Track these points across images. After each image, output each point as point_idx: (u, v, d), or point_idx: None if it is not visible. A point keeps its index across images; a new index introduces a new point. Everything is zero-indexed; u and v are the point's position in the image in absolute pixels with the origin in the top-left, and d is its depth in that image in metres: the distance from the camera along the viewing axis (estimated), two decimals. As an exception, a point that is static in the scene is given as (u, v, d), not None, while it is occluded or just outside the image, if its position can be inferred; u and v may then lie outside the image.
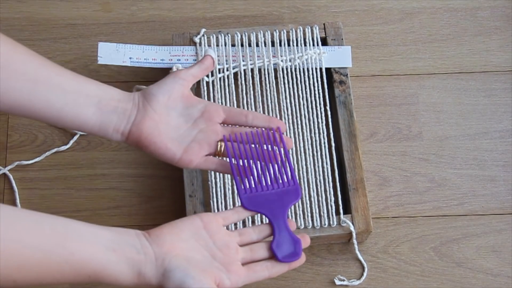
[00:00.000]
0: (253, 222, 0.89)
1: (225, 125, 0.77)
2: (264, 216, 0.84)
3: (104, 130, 0.72)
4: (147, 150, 0.73)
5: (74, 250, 0.62)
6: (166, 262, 0.65)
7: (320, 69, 0.96)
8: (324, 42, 0.98)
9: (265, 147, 0.75)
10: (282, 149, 0.75)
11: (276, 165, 0.75)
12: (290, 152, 0.92)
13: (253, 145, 0.75)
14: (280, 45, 0.97)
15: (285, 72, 0.96)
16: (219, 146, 0.75)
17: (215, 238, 0.69)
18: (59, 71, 0.71)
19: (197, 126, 0.75)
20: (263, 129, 0.76)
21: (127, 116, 0.72)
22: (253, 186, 0.74)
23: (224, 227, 0.71)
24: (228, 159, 0.75)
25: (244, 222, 0.89)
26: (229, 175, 0.91)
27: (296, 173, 0.91)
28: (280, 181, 0.74)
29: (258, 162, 0.75)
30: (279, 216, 0.72)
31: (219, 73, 0.96)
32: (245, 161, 0.74)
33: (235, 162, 0.74)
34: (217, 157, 0.76)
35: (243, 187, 0.73)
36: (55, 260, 0.61)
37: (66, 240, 0.62)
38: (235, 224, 0.88)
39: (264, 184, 0.74)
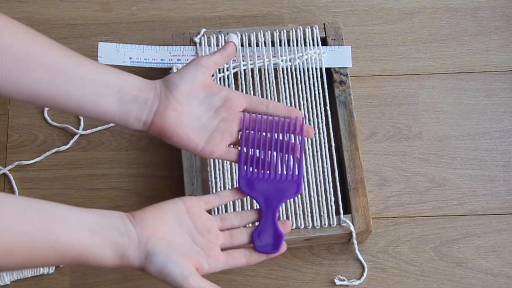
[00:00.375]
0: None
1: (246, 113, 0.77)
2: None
3: (124, 120, 0.72)
4: (170, 141, 0.73)
5: (59, 234, 0.62)
6: (149, 246, 0.66)
7: (320, 69, 0.96)
8: (324, 42, 0.98)
9: (281, 137, 0.75)
10: (298, 141, 0.74)
11: (286, 156, 0.74)
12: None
13: (269, 134, 0.75)
14: (280, 45, 0.97)
15: (285, 72, 0.96)
16: (239, 135, 0.75)
17: (196, 222, 0.70)
18: (79, 61, 0.70)
19: (218, 115, 0.74)
20: (286, 118, 0.75)
21: (149, 106, 0.72)
22: (255, 170, 0.73)
23: (206, 211, 0.72)
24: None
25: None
26: (229, 175, 0.91)
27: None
28: (284, 173, 0.74)
29: (269, 149, 0.74)
30: (271, 206, 0.72)
31: (219, 73, 0.96)
32: (256, 146, 0.74)
33: (246, 147, 0.74)
34: (238, 146, 0.75)
35: (244, 169, 0.73)
36: (40, 245, 0.61)
37: (51, 225, 0.62)
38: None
39: (266, 171, 0.73)
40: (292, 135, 0.75)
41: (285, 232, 0.72)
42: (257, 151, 0.74)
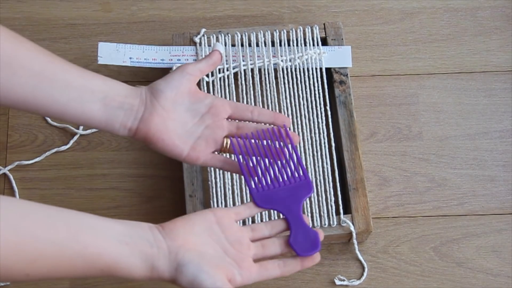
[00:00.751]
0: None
1: (231, 120, 0.77)
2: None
3: (110, 126, 0.72)
4: (155, 147, 0.73)
5: (87, 243, 0.62)
6: (179, 256, 0.65)
7: (320, 69, 0.96)
8: (324, 42, 0.98)
9: (271, 144, 0.75)
10: (289, 145, 0.75)
11: (284, 161, 0.74)
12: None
13: (259, 142, 0.75)
14: (280, 45, 0.97)
15: (285, 72, 0.96)
16: (225, 142, 0.75)
17: (227, 233, 0.69)
18: (65, 66, 0.71)
19: (203, 122, 0.74)
20: (269, 127, 0.76)
21: (134, 112, 0.72)
22: (264, 183, 0.73)
23: (236, 222, 0.70)
24: (234, 157, 0.75)
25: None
26: (229, 175, 0.91)
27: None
28: (291, 177, 0.74)
29: (266, 159, 0.74)
30: (293, 211, 0.72)
31: (219, 73, 0.96)
32: (253, 158, 0.74)
33: (243, 161, 0.74)
34: (222, 153, 0.75)
35: (254, 186, 0.73)
36: (68, 254, 0.61)
37: (79, 233, 0.62)
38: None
39: (275, 181, 0.73)
40: (282, 143, 0.75)
41: (321, 239, 0.71)
42: (257, 164, 0.74)
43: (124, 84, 0.73)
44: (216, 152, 0.76)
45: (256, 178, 0.73)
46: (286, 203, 0.72)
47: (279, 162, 0.74)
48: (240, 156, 0.74)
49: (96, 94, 0.71)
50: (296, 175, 0.74)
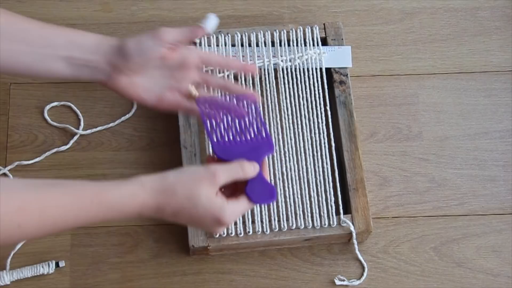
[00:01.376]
0: (253, 222, 0.89)
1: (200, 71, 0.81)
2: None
3: (78, 79, 0.76)
4: (123, 97, 0.78)
5: (67, 184, 0.66)
6: (167, 185, 0.70)
7: (320, 69, 0.96)
8: (324, 42, 0.98)
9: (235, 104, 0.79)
10: (253, 108, 0.78)
11: (248, 122, 0.77)
12: (290, 152, 0.92)
13: (224, 101, 0.79)
14: (280, 45, 0.97)
15: (285, 72, 0.96)
16: (190, 89, 0.79)
17: None
18: (25, 25, 0.72)
19: (172, 75, 0.78)
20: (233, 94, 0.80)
21: (101, 70, 0.76)
22: (226, 138, 0.76)
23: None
24: (199, 109, 0.78)
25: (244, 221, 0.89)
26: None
27: (296, 173, 0.91)
28: (253, 136, 0.76)
29: (230, 118, 0.77)
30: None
31: (219, 73, 0.96)
32: (216, 116, 0.77)
33: (207, 117, 0.77)
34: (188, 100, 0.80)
35: (215, 139, 0.76)
36: (53, 193, 0.63)
37: (56, 182, 0.66)
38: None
39: (236, 137, 0.76)
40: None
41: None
42: (220, 121, 0.77)
43: (90, 36, 0.76)
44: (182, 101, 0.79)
45: (218, 132, 0.76)
46: (247, 157, 0.74)
47: (242, 121, 0.77)
48: (206, 118, 0.77)
49: (60, 53, 0.73)
50: (258, 135, 0.76)
